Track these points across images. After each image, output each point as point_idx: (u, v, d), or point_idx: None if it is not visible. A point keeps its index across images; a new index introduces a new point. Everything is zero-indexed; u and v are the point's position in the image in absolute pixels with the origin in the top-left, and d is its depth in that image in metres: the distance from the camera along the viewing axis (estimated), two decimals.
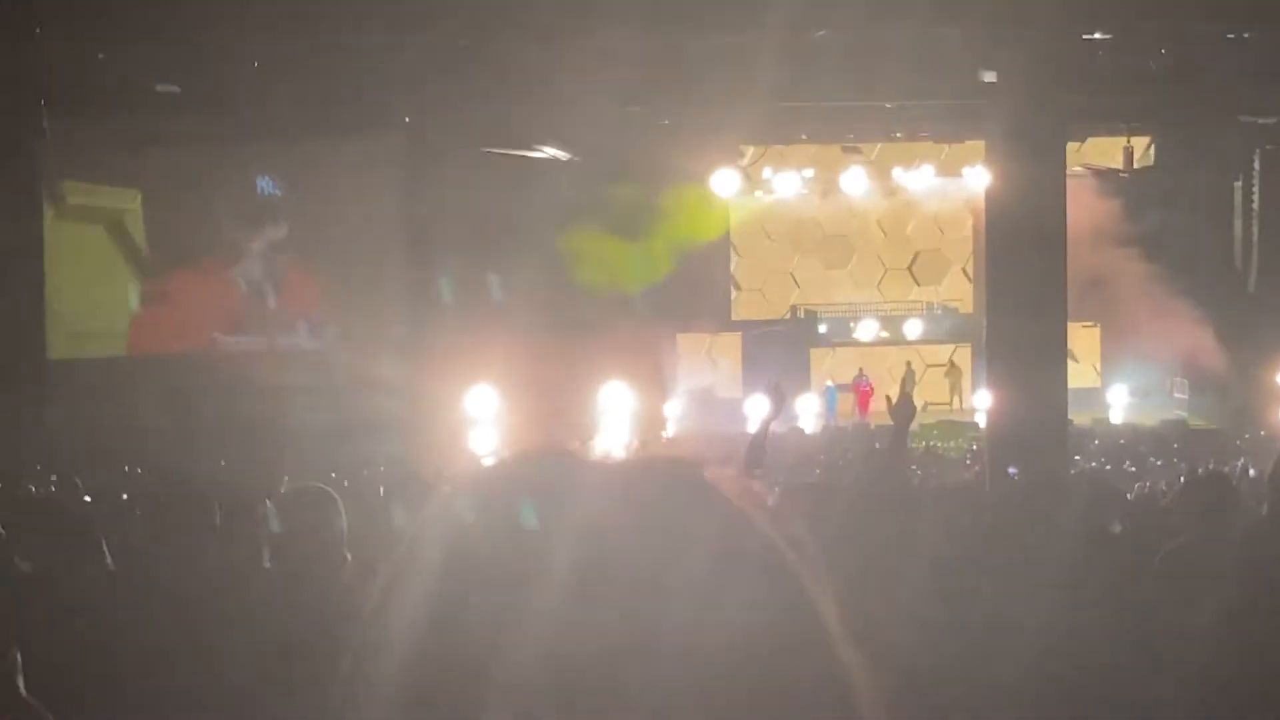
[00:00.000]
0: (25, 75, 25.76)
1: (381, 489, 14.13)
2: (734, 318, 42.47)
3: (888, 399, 9.94)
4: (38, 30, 25.41)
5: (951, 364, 41.62)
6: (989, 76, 25.80)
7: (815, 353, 42.34)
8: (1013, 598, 6.44)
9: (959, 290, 42.92)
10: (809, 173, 41.19)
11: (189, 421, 28.07)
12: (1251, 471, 21.20)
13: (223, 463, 21.19)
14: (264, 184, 32.78)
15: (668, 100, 28.75)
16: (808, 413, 40.10)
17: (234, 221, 32.45)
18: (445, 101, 27.62)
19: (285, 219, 32.75)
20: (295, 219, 32.63)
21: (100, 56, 27.07)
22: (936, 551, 6.91)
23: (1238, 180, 38.77)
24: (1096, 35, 26.32)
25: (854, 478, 11.46)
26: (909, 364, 41.74)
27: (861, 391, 40.35)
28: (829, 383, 41.11)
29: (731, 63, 26.22)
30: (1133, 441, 33.09)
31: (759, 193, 41.69)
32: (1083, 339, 40.10)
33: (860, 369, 41.10)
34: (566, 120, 29.38)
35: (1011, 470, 10.78)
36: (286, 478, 14.72)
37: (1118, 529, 8.61)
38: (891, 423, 9.57)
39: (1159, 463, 29.33)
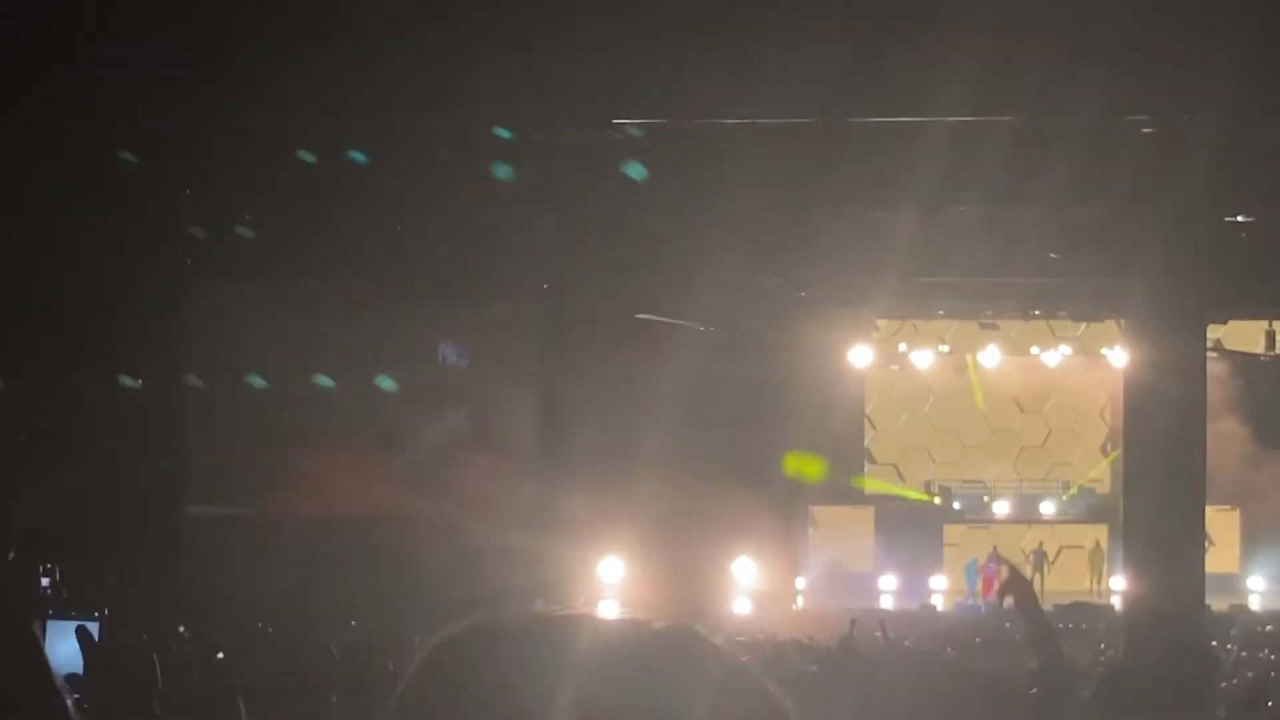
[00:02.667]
0: (173, 238, 26.34)
1: None
2: (868, 491, 42.24)
3: (999, 585, 9.71)
4: (187, 192, 25.97)
5: (1097, 545, 40.99)
6: (1132, 257, 25.66)
7: (949, 529, 41.96)
8: None
9: (1096, 469, 42.46)
10: (945, 348, 41.10)
11: (322, 584, 28.24)
12: None
13: (353, 623, 21.29)
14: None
15: (803, 274, 28.87)
16: (941, 590, 39.75)
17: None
18: (583, 270, 27.91)
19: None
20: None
21: (246, 219, 27.61)
22: None
23: None
24: (1239, 218, 26.16)
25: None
26: (1010, 564, 41.16)
27: (987, 576, 39.94)
28: (973, 558, 40.62)
29: (868, 237, 26.32)
30: (1275, 629, 32.42)
31: (895, 366, 41.62)
32: (1222, 523, 39.46)
33: (994, 547, 40.66)
34: (702, 292, 29.55)
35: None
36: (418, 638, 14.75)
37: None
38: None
39: None
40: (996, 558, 40.21)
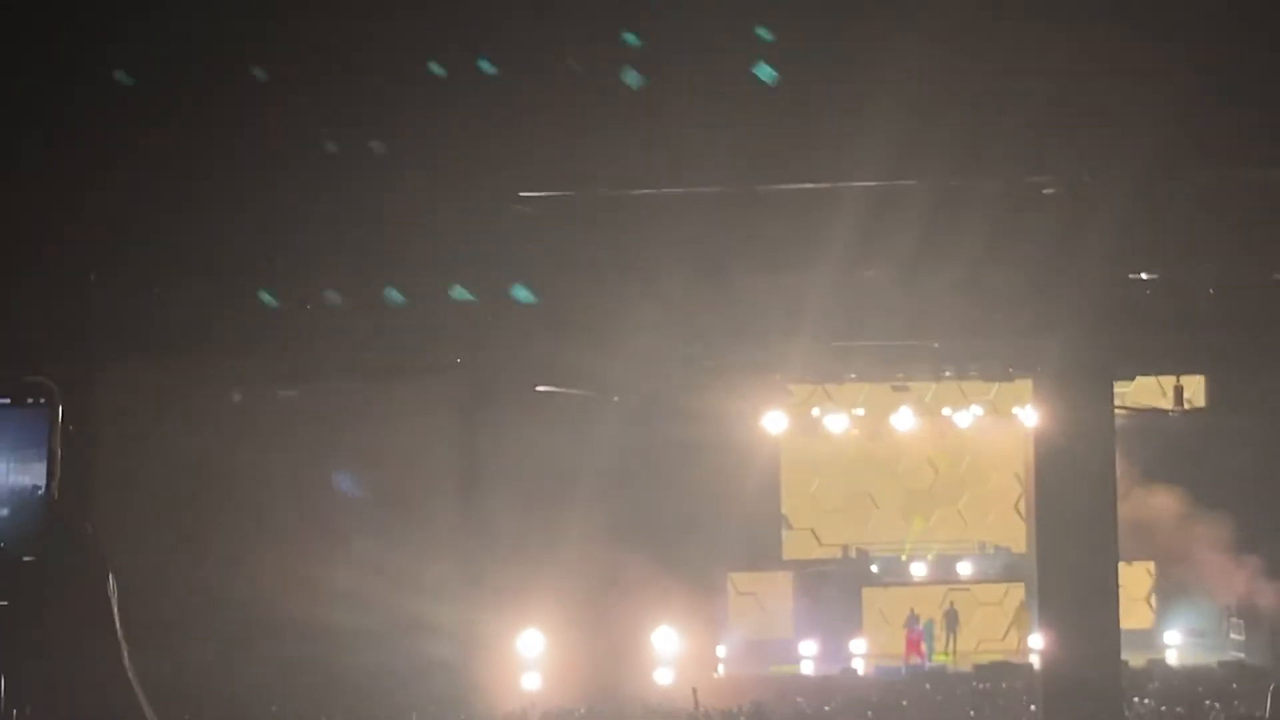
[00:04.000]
0: (76, 319, 26.10)
1: None
2: (785, 557, 42.24)
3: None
4: (91, 277, 25.77)
5: (1021, 604, 41.13)
6: (1040, 317, 25.92)
7: (868, 592, 42.03)
8: None
9: (1011, 529, 42.66)
10: (859, 411, 41.29)
11: (238, 663, 27.97)
12: None
13: (274, 708, 21.10)
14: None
15: (717, 341, 28.95)
16: (861, 654, 39.88)
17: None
18: (497, 341, 27.89)
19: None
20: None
21: (153, 297, 27.40)
22: None
23: None
24: (1143, 275, 26.49)
25: None
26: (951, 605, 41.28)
27: (910, 637, 40.06)
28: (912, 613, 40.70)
29: (780, 303, 26.43)
30: (1190, 683, 32.66)
31: (809, 433, 41.76)
32: (1135, 578, 39.77)
33: (911, 609, 40.81)
34: (615, 361, 29.59)
35: None
36: None
37: None
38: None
39: (1217, 705, 28.92)
40: (915, 619, 40.39)
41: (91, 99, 21.36)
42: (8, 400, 3.69)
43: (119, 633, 3.50)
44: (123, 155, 21.50)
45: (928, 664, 38.90)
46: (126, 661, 3.47)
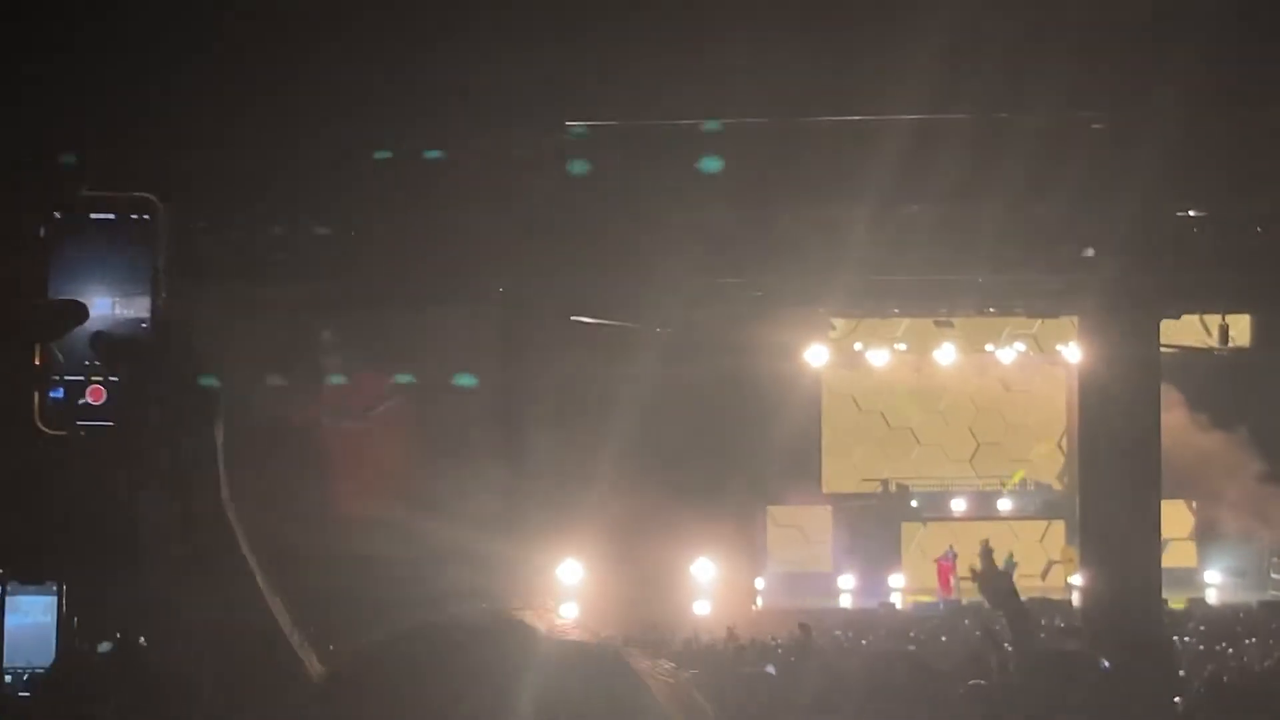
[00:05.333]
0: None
1: None
2: (825, 491, 42.22)
3: (972, 570, 9.72)
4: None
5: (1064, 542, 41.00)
6: (1088, 252, 25.77)
7: (907, 527, 41.99)
8: None
9: (1053, 465, 42.53)
10: (901, 346, 41.15)
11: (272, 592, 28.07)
12: None
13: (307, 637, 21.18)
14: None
15: (758, 273, 28.83)
16: (899, 589, 39.88)
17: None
18: (538, 272, 27.83)
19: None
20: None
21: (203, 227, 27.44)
22: None
23: None
24: (1192, 212, 26.26)
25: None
26: (985, 541, 41.07)
27: (942, 566, 39.91)
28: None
29: (822, 236, 26.30)
30: (1230, 622, 32.59)
31: (851, 366, 41.68)
32: (1177, 517, 39.62)
33: (950, 545, 40.73)
34: (656, 293, 29.52)
35: (1104, 664, 10.51)
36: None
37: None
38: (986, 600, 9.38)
39: (1255, 640, 28.86)
40: (953, 554, 40.31)
41: None
42: (111, 216, 3.46)
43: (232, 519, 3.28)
44: None
45: (955, 595, 38.72)
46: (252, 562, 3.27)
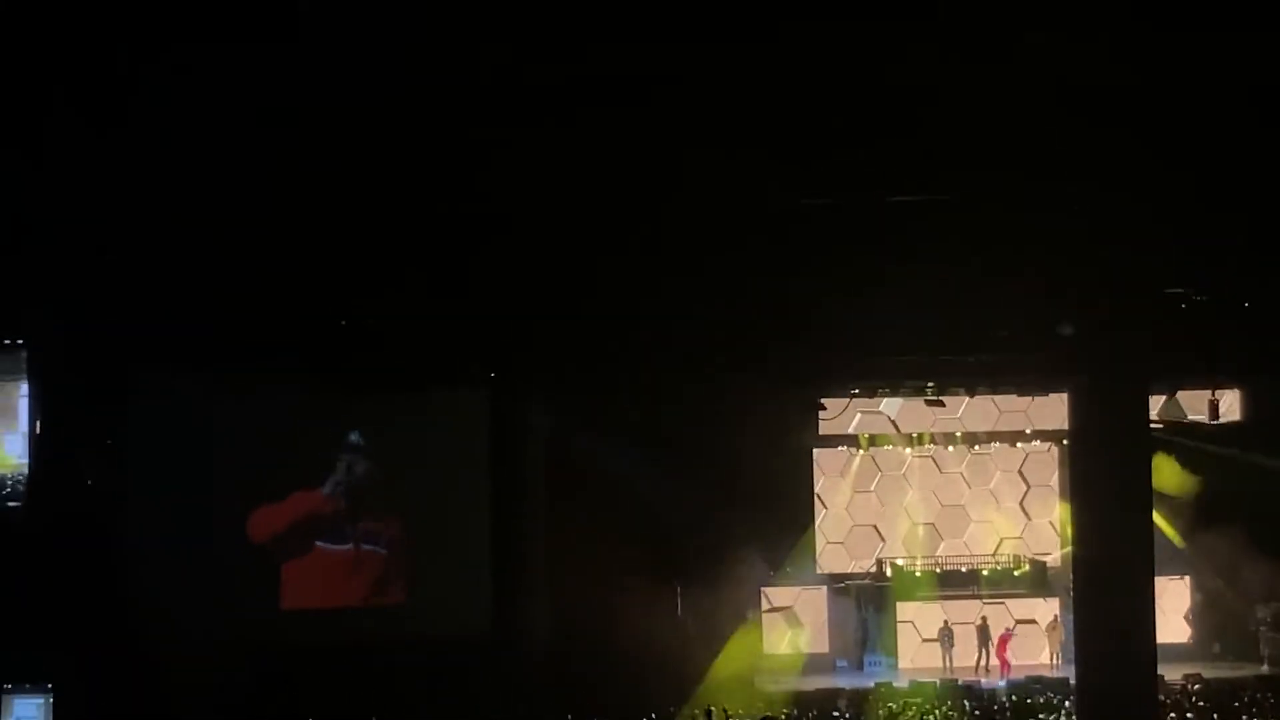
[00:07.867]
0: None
1: None
2: (819, 571, 42.07)
3: None
4: None
5: (1054, 619, 40.87)
6: (1067, 330, 25.90)
7: (901, 606, 41.83)
8: None
9: (1046, 543, 42.43)
10: (893, 422, 41.21)
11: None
12: None
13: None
14: (354, 437, 33.20)
15: (749, 357, 28.91)
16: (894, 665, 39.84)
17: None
18: (527, 356, 27.98)
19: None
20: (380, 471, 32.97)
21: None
22: None
23: None
24: (1179, 290, 26.40)
25: None
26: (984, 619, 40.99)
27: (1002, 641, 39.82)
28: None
29: (816, 315, 26.36)
30: (1228, 697, 32.59)
31: (842, 447, 41.70)
32: (1172, 593, 39.64)
33: (945, 621, 40.65)
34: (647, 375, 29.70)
35: None
36: None
37: None
38: None
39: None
40: (949, 631, 40.22)
41: None
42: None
43: None
44: None
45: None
46: None
